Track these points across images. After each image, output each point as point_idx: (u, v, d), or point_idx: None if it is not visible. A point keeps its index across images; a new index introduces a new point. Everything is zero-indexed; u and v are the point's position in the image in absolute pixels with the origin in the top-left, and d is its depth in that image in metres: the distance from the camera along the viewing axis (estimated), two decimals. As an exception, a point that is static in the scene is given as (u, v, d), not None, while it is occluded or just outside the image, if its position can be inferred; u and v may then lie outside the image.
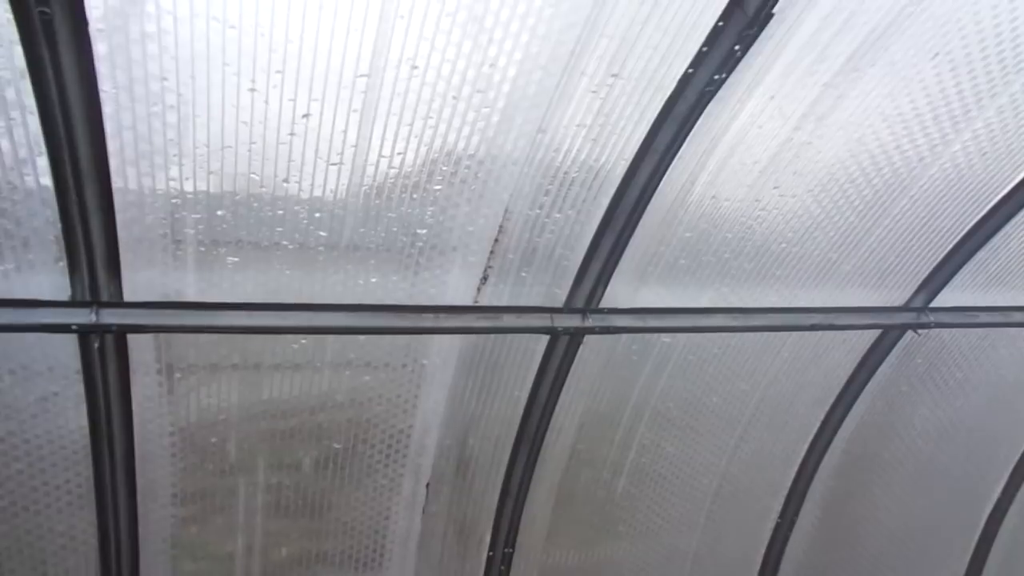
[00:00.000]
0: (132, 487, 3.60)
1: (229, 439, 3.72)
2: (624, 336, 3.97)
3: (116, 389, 3.30)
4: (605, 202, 3.31)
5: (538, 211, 3.28)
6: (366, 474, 4.11)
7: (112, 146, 2.58)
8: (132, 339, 3.19)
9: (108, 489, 3.55)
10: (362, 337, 3.56)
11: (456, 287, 3.45)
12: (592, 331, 3.69)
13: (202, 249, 3.04)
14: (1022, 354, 4.93)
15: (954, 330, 4.54)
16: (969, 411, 5.17)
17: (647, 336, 4.02)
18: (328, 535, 4.22)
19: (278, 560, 4.16)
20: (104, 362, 3.20)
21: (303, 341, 3.51)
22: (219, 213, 2.93)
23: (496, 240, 3.34)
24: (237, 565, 4.02)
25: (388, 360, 3.68)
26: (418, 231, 3.21)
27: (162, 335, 3.22)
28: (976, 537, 5.72)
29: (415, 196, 3.07)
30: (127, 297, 3.03)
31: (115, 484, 3.53)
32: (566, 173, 3.15)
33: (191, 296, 3.12)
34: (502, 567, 4.53)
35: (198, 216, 2.91)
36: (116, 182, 2.70)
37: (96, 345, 3.08)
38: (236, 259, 3.10)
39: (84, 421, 3.36)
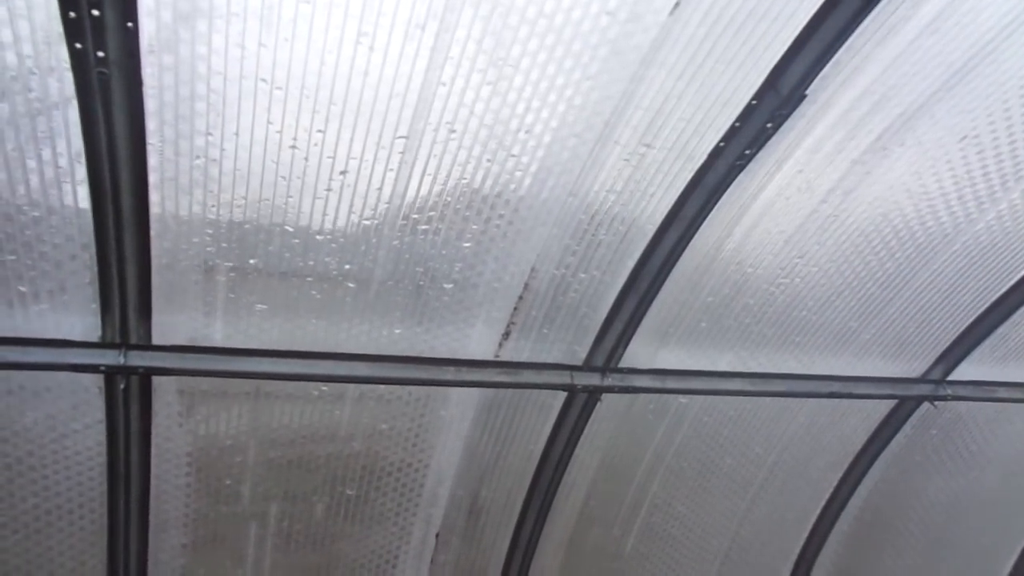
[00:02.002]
0: (145, 524, 3.60)
1: (244, 481, 3.73)
2: (641, 398, 3.98)
3: (137, 428, 3.32)
4: (630, 264, 3.34)
5: (564, 271, 3.32)
6: (377, 521, 4.09)
7: (154, 196, 2.64)
8: (156, 381, 3.22)
9: (121, 526, 3.55)
10: (382, 386, 3.58)
11: (479, 341, 3.48)
12: (611, 390, 3.70)
13: (232, 296, 3.08)
14: (1038, 428, 4.90)
15: (970, 404, 4.52)
16: (983, 484, 5.12)
17: (664, 398, 4.03)
18: (335, 581, 4.20)
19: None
20: (128, 403, 3.23)
21: (324, 388, 3.53)
22: (251, 262, 2.97)
23: (520, 297, 3.38)
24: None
25: (406, 410, 3.69)
26: (445, 285, 3.24)
27: (186, 378, 3.24)
28: (988, 611, 5.63)
29: (444, 252, 3.12)
30: (156, 340, 3.07)
31: (128, 520, 3.53)
32: (594, 235, 3.19)
33: (218, 341, 3.16)
34: (510, 620, 4.48)
35: (231, 264, 2.96)
36: (155, 228, 2.75)
37: (122, 386, 3.11)
38: (264, 306, 3.14)
39: (103, 458, 3.38)
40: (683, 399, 4.08)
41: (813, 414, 4.36)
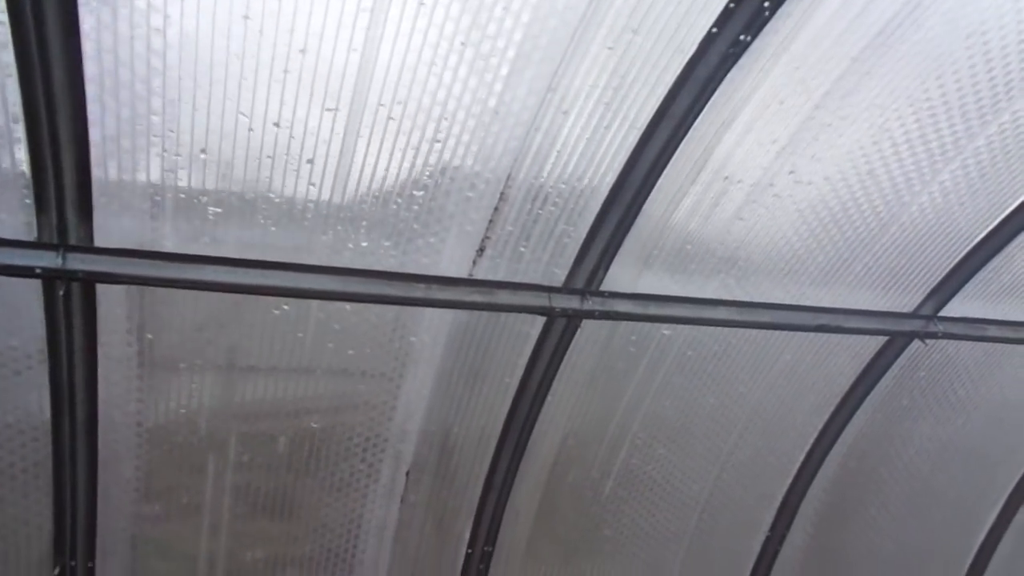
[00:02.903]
0: (93, 454, 3.36)
1: (200, 409, 3.50)
2: (622, 325, 3.79)
3: (81, 344, 3.07)
4: (613, 177, 3.14)
5: (543, 180, 3.10)
6: (343, 457, 3.88)
7: (90, 69, 2.39)
8: (102, 291, 2.97)
9: (66, 455, 3.30)
10: (348, 306, 3.36)
11: (451, 258, 3.26)
12: (591, 315, 3.50)
13: (182, 196, 2.83)
14: (1027, 374, 4.78)
15: (960, 344, 4.38)
16: (969, 431, 5.01)
17: (646, 327, 3.84)
18: (301, 519, 3.98)
19: (246, 538, 3.91)
20: (69, 313, 2.98)
21: (285, 307, 3.30)
22: (202, 156, 2.73)
23: (496, 209, 3.16)
24: (204, 519, 3.77)
25: (374, 334, 3.47)
26: (414, 192, 3.02)
27: (135, 288, 3.00)
28: (968, 562, 5.54)
29: (412, 152, 2.89)
30: (98, 243, 2.82)
31: (75, 450, 3.29)
32: (577, 139, 2.98)
33: (168, 247, 2.92)
34: (480, 566, 4.30)
35: (180, 158, 2.71)
36: (92, 111, 2.50)
37: (61, 292, 2.86)
38: (218, 210, 2.90)
39: (45, 379, 3.13)
40: (666, 330, 3.90)
41: (800, 351, 4.20)
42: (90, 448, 3.36)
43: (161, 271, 2.91)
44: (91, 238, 2.81)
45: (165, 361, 3.29)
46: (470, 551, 4.28)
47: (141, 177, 2.75)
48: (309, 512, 4.00)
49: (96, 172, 2.67)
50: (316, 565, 4.09)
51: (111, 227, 2.83)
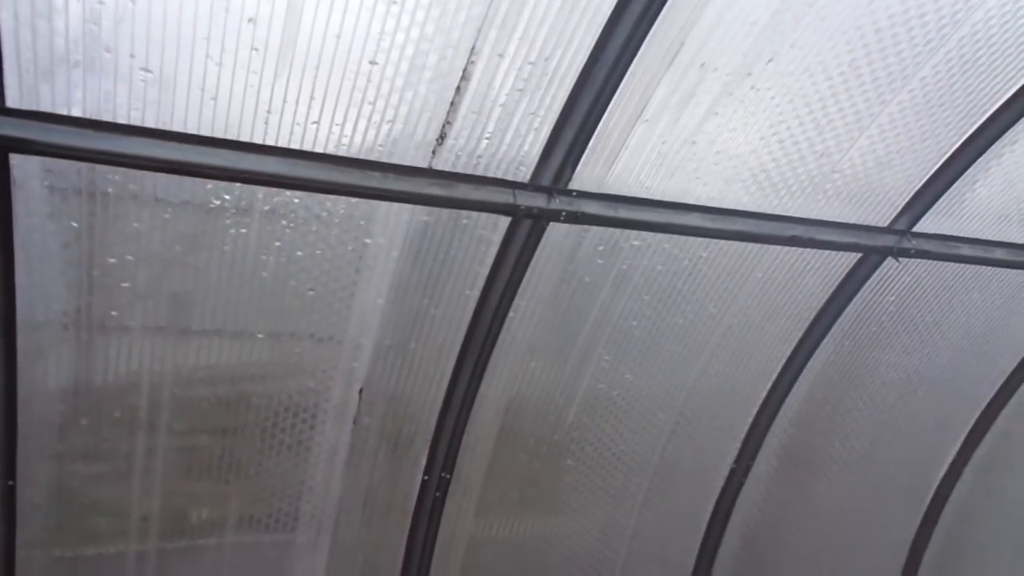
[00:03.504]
0: (11, 352, 3.06)
1: (133, 308, 3.21)
2: (589, 234, 3.60)
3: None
4: (583, 56, 2.92)
5: (509, 57, 2.87)
6: (291, 372, 3.64)
7: None
8: (16, 161, 2.67)
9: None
10: (297, 198, 3.10)
11: (409, 145, 3.02)
12: (557, 216, 3.30)
13: (108, 55, 2.54)
14: (994, 303, 4.73)
15: (930, 266, 4.30)
16: (935, 362, 4.96)
17: (615, 237, 3.66)
18: (245, 437, 3.73)
19: (186, 443, 3.65)
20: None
21: (226, 196, 3.03)
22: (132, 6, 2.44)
23: (457, 89, 2.92)
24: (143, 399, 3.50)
25: (325, 233, 3.23)
26: (368, 64, 2.76)
27: (52, 160, 2.69)
28: (929, 497, 5.53)
29: (367, 15, 2.63)
30: (10, 103, 2.51)
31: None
32: (547, 8, 2.75)
33: (90, 112, 2.62)
34: (437, 493, 4.11)
35: (102, 5, 2.41)
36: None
37: (-32, 161, 2.55)
38: (150, 74, 2.61)
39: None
40: (635, 241, 3.72)
41: (770, 270, 4.07)
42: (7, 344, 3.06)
43: (83, 141, 2.62)
44: (3, 98, 2.50)
45: (94, 251, 2.99)
46: (426, 478, 4.08)
47: (58, 22, 2.45)
48: (255, 432, 3.75)
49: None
50: (263, 489, 3.85)
51: (25, 86, 2.53)
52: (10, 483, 3.40)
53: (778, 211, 3.71)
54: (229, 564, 4.02)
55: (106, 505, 3.73)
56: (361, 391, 3.78)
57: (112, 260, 3.04)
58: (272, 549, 3.98)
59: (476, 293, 3.63)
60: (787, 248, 3.91)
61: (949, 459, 5.46)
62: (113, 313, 3.19)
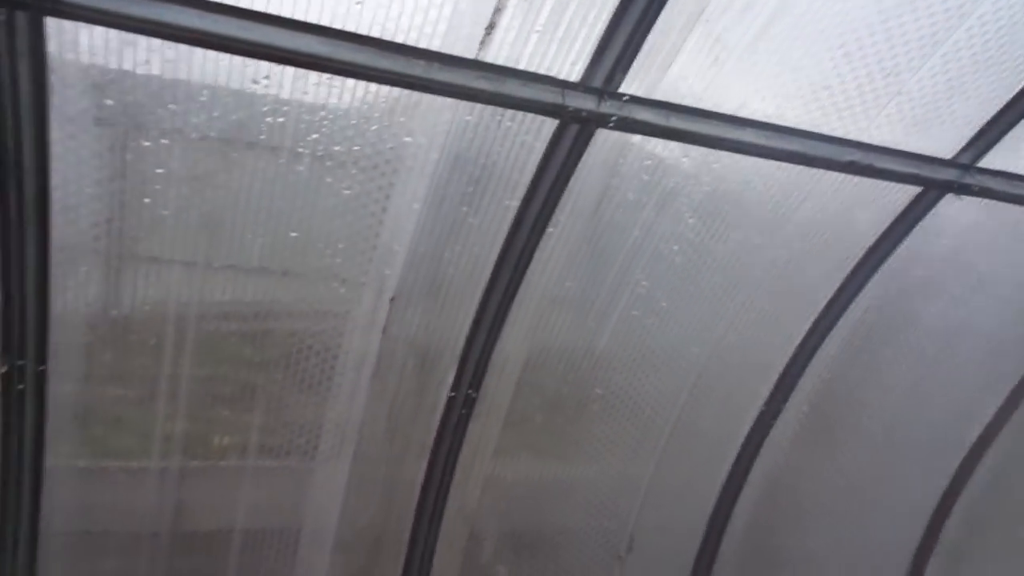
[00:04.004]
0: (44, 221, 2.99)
1: (167, 197, 3.13)
2: (636, 148, 3.45)
3: (29, 95, 2.67)
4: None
5: (567, -62, 2.70)
6: (322, 276, 3.56)
7: None
8: (52, 26, 2.57)
9: (14, 219, 2.93)
10: (337, 83, 2.97)
11: (456, 31, 2.88)
12: (606, 121, 3.14)
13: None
14: (1052, 254, 4.52)
15: (992, 206, 4.08)
16: (983, 315, 4.77)
17: (663, 152, 3.50)
18: (271, 341, 3.68)
19: (212, 352, 3.61)
20: (14, 57, 2.58)
21: (265, 79, 2.91)
22: None
23: (511, -28, 2.76)
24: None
25: (364, 127, 3.11)
26: (419, -63, 2.61)
27: (89, 29, 2.59)
28: (963, 455, 5.38)
29: None
30: (47, -40, 2.41)
31: (22, 217, 2.92)
32: None
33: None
34: (463, 411, 4.04)
35: None
36: None
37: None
38: (188, -63, 2.48)
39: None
40: (684, 159, 3.56)
41: (822, 199, 3.89)
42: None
43: (122, 6, 2.51)
44: (36, -49, 2.39)
45: (129, 131, 2.90)
46: (453, 394, 4.01)
47: None
48: (281, 334, 3.69)
49: None
50: (289, 390, 3.80)
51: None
52: (41, 368, 3.37)
53: (837, 133, 3.52)
54: (252, 469, 4.00)
55: (130, 424, 3.72)
56: (392, 299, 3.70)
57: (147, 143, 2.95)
58: (295, 455, 3.96)
59: (515, 204, 3.51)
60: (841, 177, 3.73)
61: (988, 417, 5.30)
62: (142, 233, 3.12)
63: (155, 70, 2.72)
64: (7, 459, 3.47)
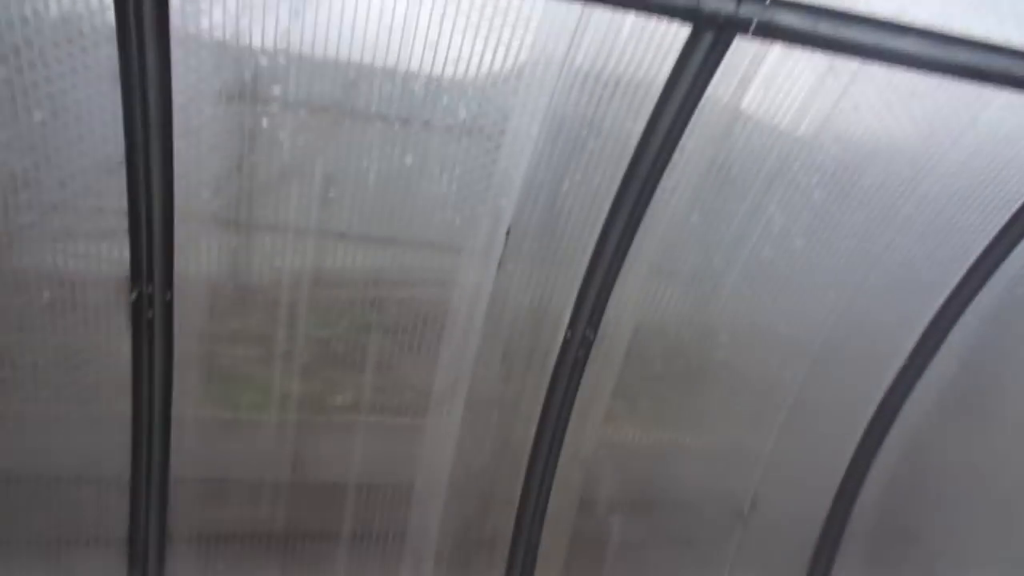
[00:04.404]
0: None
1: (282, 128, 3.09)
2: (777, 59, 3.14)
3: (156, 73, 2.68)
4: None
5: None
6: (437, 206, 3.45)
7: None
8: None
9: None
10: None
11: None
12: (746, 26, 2.85)
13: None
14: None
15: None
16: None
17: (805, 68, 3.18)
18: (388, 270, 3.62)
19: (335, 294, 3.58)
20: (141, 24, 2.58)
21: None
22: None
23: None
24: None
25: (487, 32, 2.95)
26: None
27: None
28: None
29: None
30: None
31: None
32: None
33: None
34: (579, 352, 3.86)
35: None
36: None
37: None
38: None
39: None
40: (830, 80, 3.22)
41: (992, 125, 3.45)
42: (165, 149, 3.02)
43: None
44: None
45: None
46: (569, 334, 3.84)
47: None
48: (396, 260, 3.62)
49: None
50: (403, 329, 3.74)
51: None
52: (169, 296, 3.43)
53: (1014, 43, 3.09)
54: (366, 424, 3.96)
55: (250, 380, 3.76)
56: (508, 232, 3.56)
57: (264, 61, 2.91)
58: (409, 394, 3.90)
59: (639, 127, 3.28)
60: (1017, 98, 3.28)
61: None
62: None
63: (271, 42, 2.67)
64: (138, 397, 3.55)
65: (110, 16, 2.62)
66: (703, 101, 3.17)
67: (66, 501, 3.61)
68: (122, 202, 3.04)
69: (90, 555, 3.66)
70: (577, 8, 2.87)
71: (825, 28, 2.91)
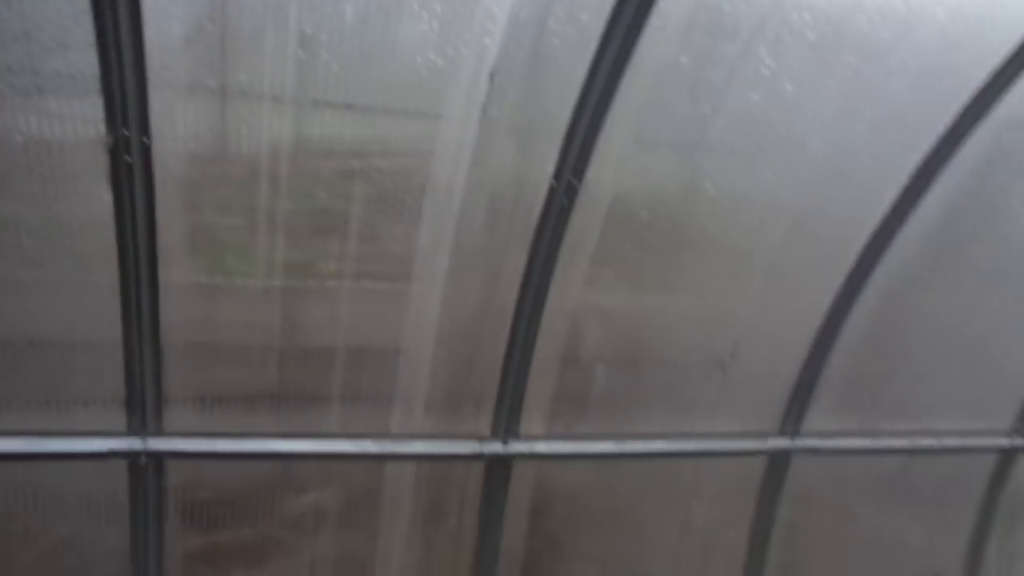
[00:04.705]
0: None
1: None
2: None
3: None
4: None
5: None
6: (419, 48, 3.34)
7: None
8: None
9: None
10: None
11: None
12: None
13: None
14: None
15: None
16: None
17: None
18: (368, 119, 3.55)
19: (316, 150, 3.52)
20: None
21: None
22: None
23: None
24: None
25: None
26: None
27: None
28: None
29: None
30: None
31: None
32: None
33: None
34: (565, 201, 3.85)
35: None
36: None
37: None
38: None
39: None
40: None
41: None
42: None
43: None
44: None
45: None
46: (554, 183, 3.82)
47: None
48: (379, 118, 3.55)
49: None
50: (386, 175, 3.71)
51: None
52: (146, 140, 3.35)
53: None
54: (353, 259, 3.97)
55: (235, 248, 3.72)
56: (492, 75, 3.47)
57: None
58: (393, 243, 3.90)
59: (629, -42, 3.14)
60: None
61: None
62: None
63: None
64: (124, 258, 3.51)
65: None
66: (695, -71, 3.02)
67: (64, 365, 3.65)
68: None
69: (90, 415, 3.74)
70: None
71: None
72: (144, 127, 3.32)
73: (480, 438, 4.27)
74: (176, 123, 3.31)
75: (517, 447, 4.30)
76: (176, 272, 3.65)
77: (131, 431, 3.73)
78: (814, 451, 4.89)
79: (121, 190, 3.38)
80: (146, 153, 3.36)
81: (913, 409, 5.22)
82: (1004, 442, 5.33)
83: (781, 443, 4.84)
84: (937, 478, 5.49)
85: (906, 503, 5.55)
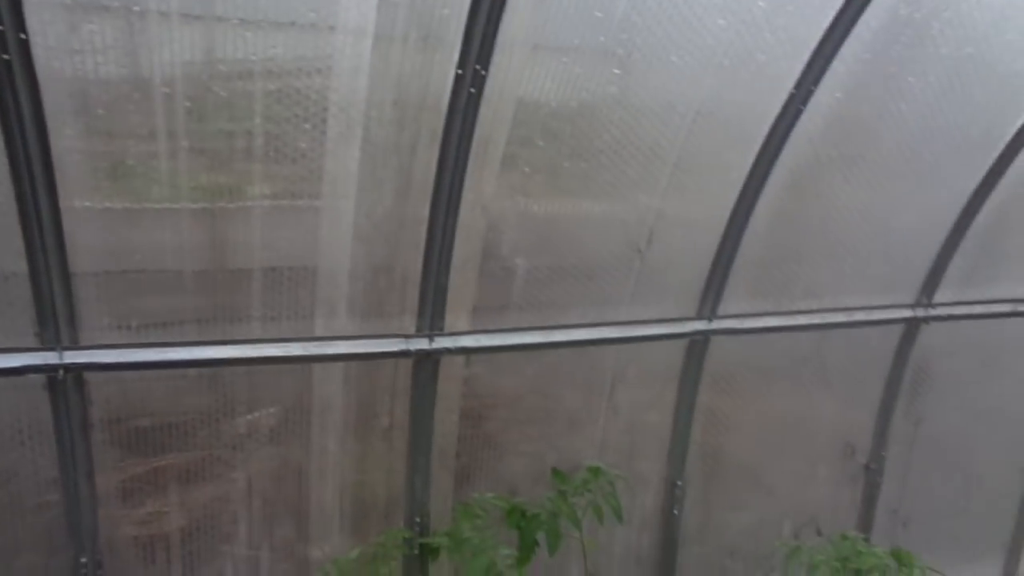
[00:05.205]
0: None
1: None
2: None
3: None
4: None
5: None
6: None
7: None
8: None
9: None
10: None
11: None
12: None
13: None
14: None
15: None
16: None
17: None
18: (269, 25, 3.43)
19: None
20: None
21: None
22: None
23: None
24: None
25: None
26: None
27: None
28: (999, 151, 5.15)
29: None
30: None
31: None
32: None
33: None
34: (472, 89, 3.83)
35: None
36: None
37: None
38: None
39: None
40: None
41: None
42: None
43: None
44: None
45: None
46: (460, 72, 3.79)
47: None
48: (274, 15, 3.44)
49: None
50: (285, 69, 3.61)
51: None
52: (22, 36, 3.18)
53: None
54: (263, 178, 3.89)
55: (141, 172, 3.59)
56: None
57: None
58: (301, 139, 3.82)
59: None
60: None
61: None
62: None
63: None
64: (14, 151, 3.37)
65: None
66: None
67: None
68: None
69: (3, 335, 3.63)
70: None
71: None
72: (20, 24, 3.16)
73: (406, 336, 4.32)
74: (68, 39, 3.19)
75: (443, 342, 4.37)
76: (76, 198, 3.55)
77: (45, 346, 3.66)
78: (731, 331, 5.09)
79: (3, 91, 3.23)
80: (24, 47, 3.20)
81: (824, 288, 5.45)
82: (908, 313, 5.64)
83: (699, 326, 5.02)
84: (847, 355, 5.78)
85: (819, 382, 5.84)
